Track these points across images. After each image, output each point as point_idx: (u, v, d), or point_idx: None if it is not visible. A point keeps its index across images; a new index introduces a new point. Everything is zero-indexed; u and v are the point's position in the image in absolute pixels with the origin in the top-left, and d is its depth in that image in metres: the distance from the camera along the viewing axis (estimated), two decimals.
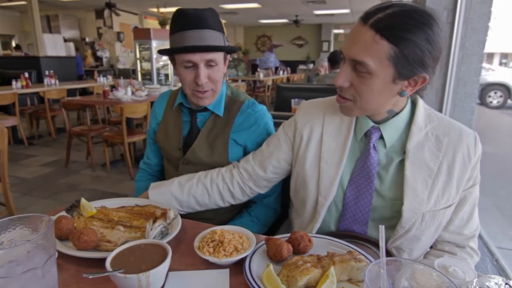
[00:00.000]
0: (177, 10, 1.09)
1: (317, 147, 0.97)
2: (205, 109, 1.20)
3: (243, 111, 1.20)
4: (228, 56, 1.18)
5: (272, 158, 1.06)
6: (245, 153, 1.21)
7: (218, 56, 1.09)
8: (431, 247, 0.98)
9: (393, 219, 0.88)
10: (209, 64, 1.08)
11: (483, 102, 8.80)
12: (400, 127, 0.89)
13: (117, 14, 9.73)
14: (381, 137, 0.90)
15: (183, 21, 1.06)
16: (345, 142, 0.93)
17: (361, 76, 0.78)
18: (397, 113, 0.89)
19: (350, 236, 0.92)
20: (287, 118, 1.16)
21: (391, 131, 0.89)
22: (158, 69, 6.72)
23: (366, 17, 0.76)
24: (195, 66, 1.07)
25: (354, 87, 0.81)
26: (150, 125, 1.36)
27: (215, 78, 1.11)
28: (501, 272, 1.55)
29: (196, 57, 1.05)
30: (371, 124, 0.90)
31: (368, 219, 0.91)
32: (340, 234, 0.93)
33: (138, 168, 1.45)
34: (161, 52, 1.12)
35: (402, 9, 0.74)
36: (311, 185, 0.96)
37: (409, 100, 0.91)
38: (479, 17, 1.93)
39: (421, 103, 0.92)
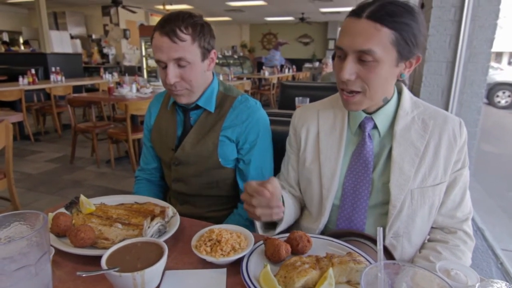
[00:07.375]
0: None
1: (315, 145, 1.01)
2: (197, 106, 1.19)
3: (236, 106, 1.18)
4: (212, 52, 1.13)
5: (290, 174, 1.08)
6: (237, 149, 1.19)
7: (189, 54, 1.05)
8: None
9: (387, 205, 0.90)
10: (179, 63, 1.06)
11: (490, 102, 8.67)
12: (390, 115, 0.94)
13: (133, 12, 9.53)
14: (375, 127, 0.94)
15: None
16: (341, 136, 0.97)
17: (367, 65, 0.81)
18: (388, 101, 0.93)
19: (348, 233, 0.92)
20: (290, 116, 1.14)
21: (383, 119, 0.93)
22: None
23: (358, 12, 0.80)
24: (167, 65, 1.06)
25: (361, 77, 0.83)
26: (144, 128, 1.34)
27: (188, 78, 1.08)
28: (506, 275, 1.52)
29: (163, 56, 1.04)
30: (364, 115, 0.93)
31: (367, 207, 0.93)
32: (339, 232, 0.92)
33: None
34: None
35: (388, 0, 0.80)
36: (314, 180, 0.99)
37: (395, 89, 0.95)
38: (487, 14, 1.89)
39: (406, 91, 0.96)
